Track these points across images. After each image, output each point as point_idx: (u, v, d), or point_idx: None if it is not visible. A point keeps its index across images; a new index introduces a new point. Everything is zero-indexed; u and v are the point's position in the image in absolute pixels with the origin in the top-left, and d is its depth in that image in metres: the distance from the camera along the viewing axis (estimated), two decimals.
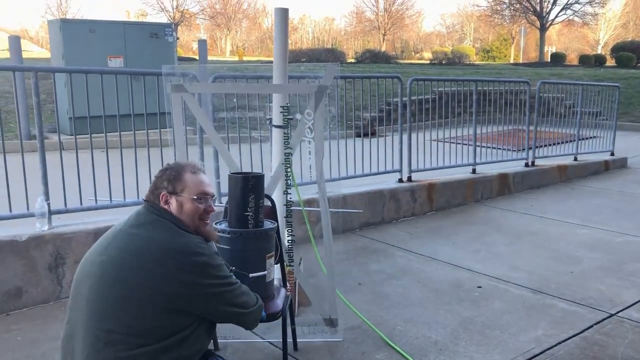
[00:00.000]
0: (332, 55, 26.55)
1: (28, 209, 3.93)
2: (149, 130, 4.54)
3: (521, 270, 4.42)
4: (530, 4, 37.12)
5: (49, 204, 3.91)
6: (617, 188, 7.64)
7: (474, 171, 6.87)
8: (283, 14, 3.33)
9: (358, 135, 6.61)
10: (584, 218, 6.01)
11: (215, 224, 2.66)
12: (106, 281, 1.77)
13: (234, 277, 1.96)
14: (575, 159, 8.43)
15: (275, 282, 2.93)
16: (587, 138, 8.95)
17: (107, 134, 4.39)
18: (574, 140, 8.62)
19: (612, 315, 3.61)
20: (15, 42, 9.29)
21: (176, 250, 1.80)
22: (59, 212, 4.08)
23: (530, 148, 7.67)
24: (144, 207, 1.96)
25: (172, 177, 1.97)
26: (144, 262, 1.77)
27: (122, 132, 4.28)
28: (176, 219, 1.92)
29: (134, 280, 1.75)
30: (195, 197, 1.96)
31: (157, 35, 10.16)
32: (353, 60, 29.58)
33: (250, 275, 2.41)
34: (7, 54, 11.76)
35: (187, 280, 1.78)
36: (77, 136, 4.24)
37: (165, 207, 1.94)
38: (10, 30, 49.30)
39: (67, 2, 47.94)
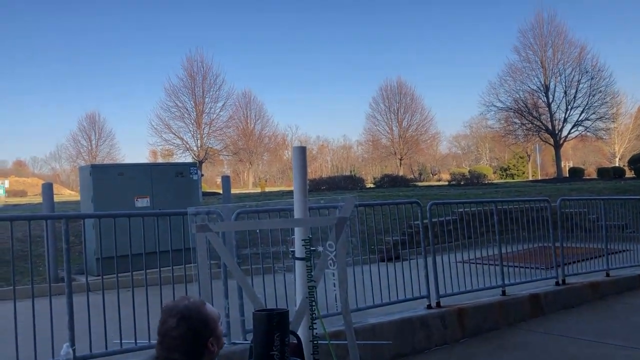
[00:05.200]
0: (351, 181, 27.16)
1: (53, 355, 3.89)
2: (173, 267, 4.60)
3: None
4: (542, 122, 38.18)
5: (74, 350, 3.88)
6: None
7: (503, 293, 6.68)
8: (301, 152, 3.49)
9: (382, 260, 6.57)
10: (626, 338, 5.71)
11: None
12: None
13: None
14: (607, 275, 8.17)
15: None
16: (617, 252, 8.74)
17: (133, 272, 4.45)
18: (604, 255, 8.42)
19: None
20: (47, 189, 9.71)
21: None
22: (84, 357, 4.03)
23: (559, 265, 7.50)
24: None
25: (206, 320, 2.00)
26: None
27: (147, 270, 4.34)
28: None
29: None
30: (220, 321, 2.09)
31: (182, 174, 10.54)
32: (372, 186, 30.18)
33: None
34: (40, 198, 12.27)
35: None
36: (104, 276, 4.30)
37: (213, 349, 1.98)
38: (44, 176, 51.94)
39: (97, 148, 50.90)
